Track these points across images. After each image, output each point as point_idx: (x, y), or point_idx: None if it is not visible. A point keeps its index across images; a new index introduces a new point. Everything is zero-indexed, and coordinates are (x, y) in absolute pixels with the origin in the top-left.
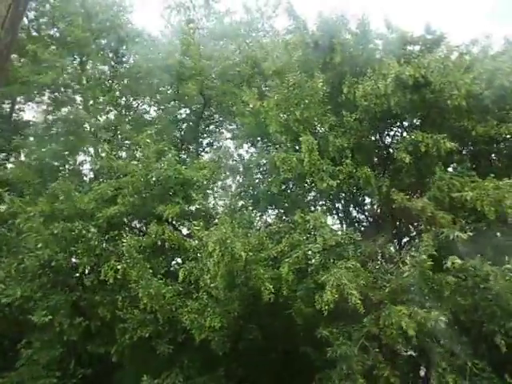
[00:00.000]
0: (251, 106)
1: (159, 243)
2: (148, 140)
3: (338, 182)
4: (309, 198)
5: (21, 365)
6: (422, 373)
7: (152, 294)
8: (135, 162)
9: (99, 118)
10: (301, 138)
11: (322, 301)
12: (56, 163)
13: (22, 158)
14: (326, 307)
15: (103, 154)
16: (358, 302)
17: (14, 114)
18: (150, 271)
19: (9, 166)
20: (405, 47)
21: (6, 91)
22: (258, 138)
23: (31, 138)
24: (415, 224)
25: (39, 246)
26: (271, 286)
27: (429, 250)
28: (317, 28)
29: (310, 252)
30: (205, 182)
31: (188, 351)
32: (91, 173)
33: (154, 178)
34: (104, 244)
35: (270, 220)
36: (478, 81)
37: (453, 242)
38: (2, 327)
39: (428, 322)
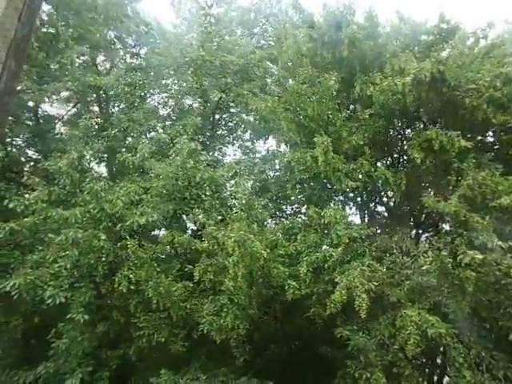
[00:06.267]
0: (254, 106)
1: (170, 250)
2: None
3: (358, 182)
4: (325, 193)
5: (53, 354)
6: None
7: (162, 293)
8: (166, 163)
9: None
10: (315, 139)
11: (330, 301)
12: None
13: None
14: (333, 306)
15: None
16: (364, 305)
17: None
18: (158, 269)
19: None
20: (419, 38)
21: (29, 85)
22: (266, 137)
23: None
24: (435, 218)
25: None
26: (294, 283)
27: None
28: (323, 20)
29: (328, 254)
30: (229, 183)
31: (205, 346)
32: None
33: (186, 182)
34: (118, 252)
35: (284, 216)
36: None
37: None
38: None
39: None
